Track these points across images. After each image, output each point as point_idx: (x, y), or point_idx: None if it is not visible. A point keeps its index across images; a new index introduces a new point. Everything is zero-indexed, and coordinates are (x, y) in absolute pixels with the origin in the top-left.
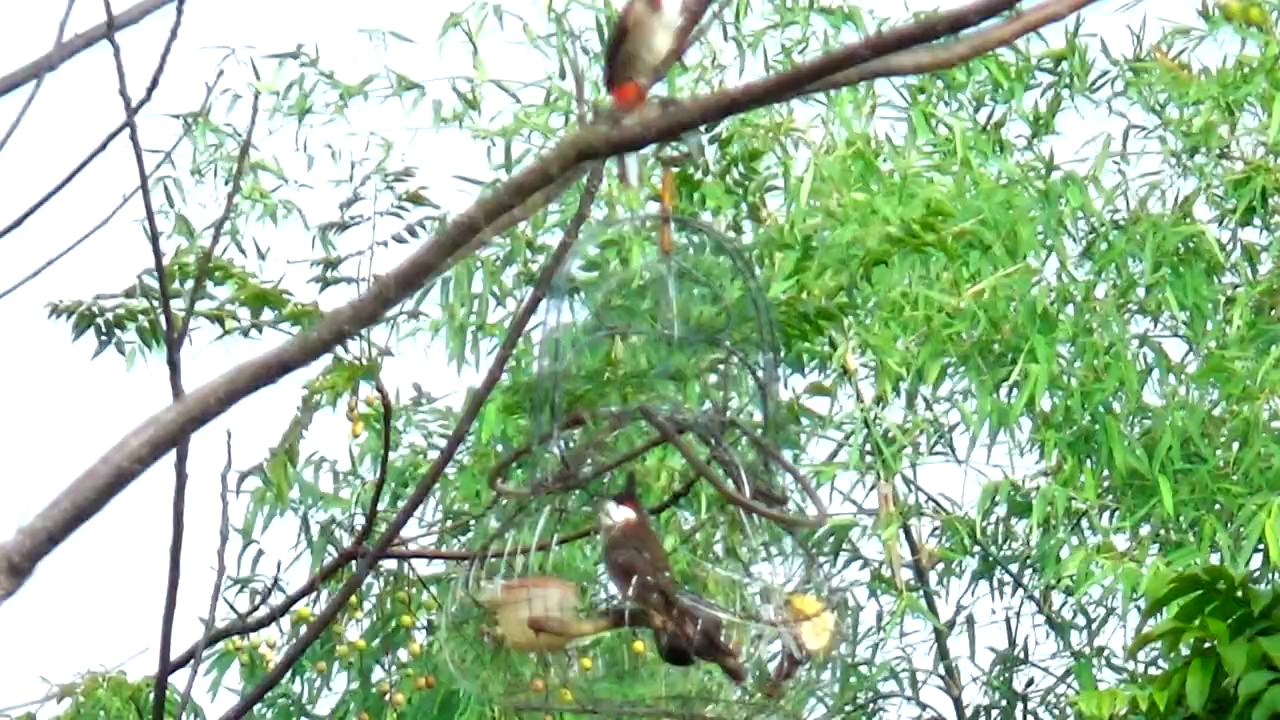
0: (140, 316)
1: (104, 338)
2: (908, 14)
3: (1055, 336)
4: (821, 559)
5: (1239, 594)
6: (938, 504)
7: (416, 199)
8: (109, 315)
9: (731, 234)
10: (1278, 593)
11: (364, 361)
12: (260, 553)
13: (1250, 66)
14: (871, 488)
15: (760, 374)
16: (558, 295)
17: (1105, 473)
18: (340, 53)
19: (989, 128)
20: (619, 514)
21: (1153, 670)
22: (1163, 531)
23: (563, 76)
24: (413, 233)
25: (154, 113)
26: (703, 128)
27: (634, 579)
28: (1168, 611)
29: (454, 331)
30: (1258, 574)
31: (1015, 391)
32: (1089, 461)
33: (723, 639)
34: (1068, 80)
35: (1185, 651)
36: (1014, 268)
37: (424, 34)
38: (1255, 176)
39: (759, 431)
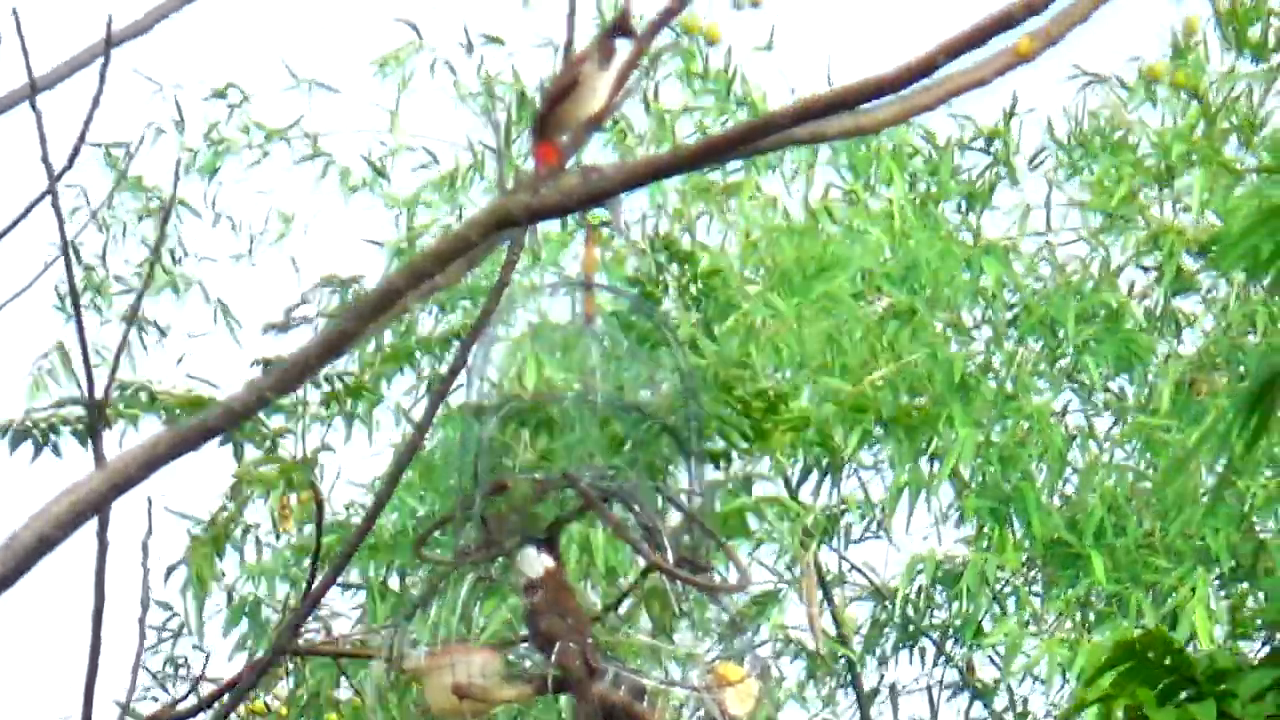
0: (73, 423)
1: (38, 446)
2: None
3: (974, 406)
4: (745, 626)
5: (1171, 660)
6: (862, 572)
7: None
8: (42, 427)
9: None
10: (1210, 657)
11: (298, 459)
12: (182, 625)
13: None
14: (790, 562)
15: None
16: (480, 363)
17: (1027, 542)
18: (269, 98)
19: (922, 202)
20: (539, 563)
21: None
22: (1088, 603)
23: (472, 149)
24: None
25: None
26: (623, 195)
27: (556, 645)
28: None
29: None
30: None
31: (936, 461)
32: (1010, 530)
33: (646, 705)
34: (1003, 157)
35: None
36: (933, 337)
37: (354, 78)
38: (1165, 236)
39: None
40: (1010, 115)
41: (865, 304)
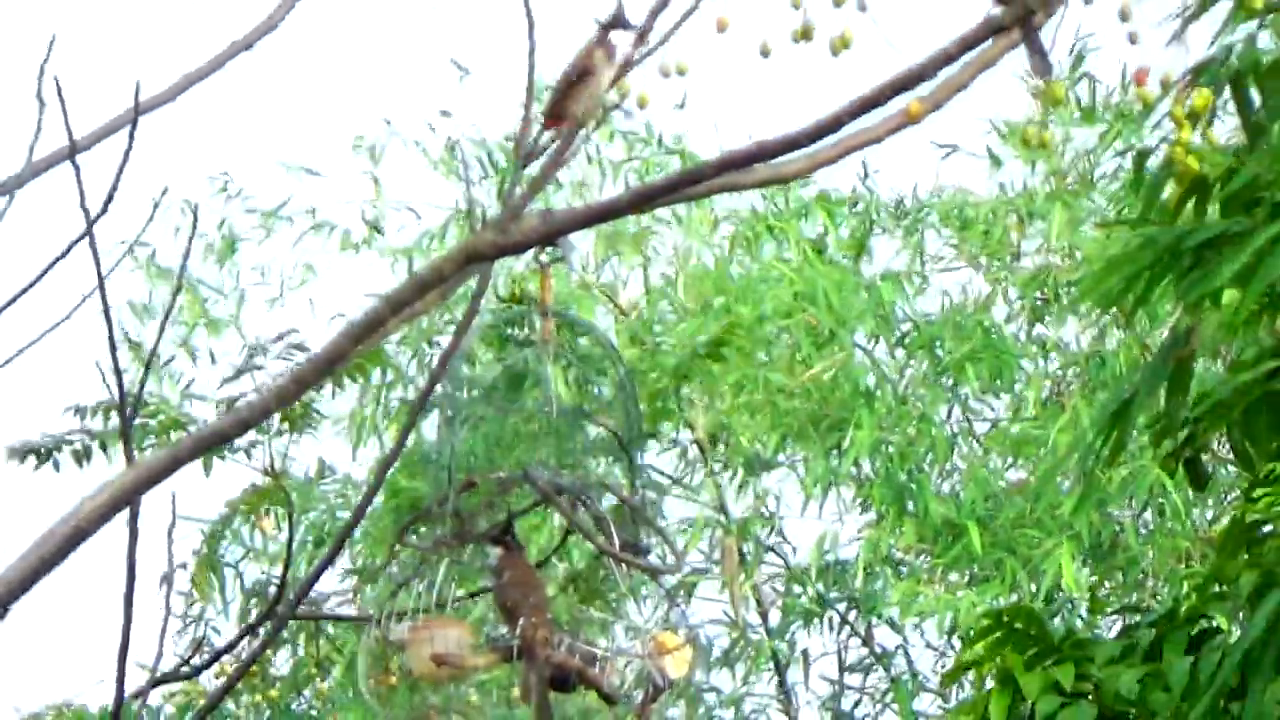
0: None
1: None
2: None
3: (877, 410)
4: (680, 601)
5: (1035, 631)
6: (777, 553)
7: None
8: (64, 447)
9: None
10: (1069, 629)
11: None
12: (194, 603)
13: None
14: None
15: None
16: (452, 380)
17: (920, 523)
18: (259, 182)
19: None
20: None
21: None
22: (972, 571)
23: (459, 205)
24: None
25: (108, 240)
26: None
27: (519, 620)
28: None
29: (355, 425)
30: (1053, 604)
31: (842, 458)
32: (908, 513)
33: (597, 669)
34: (874, 213)
35: (990, 680)
36: (839, 355)
37: (332, 159)
38: (1041, 275)
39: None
40: (864, 178)
41: (777, 327)
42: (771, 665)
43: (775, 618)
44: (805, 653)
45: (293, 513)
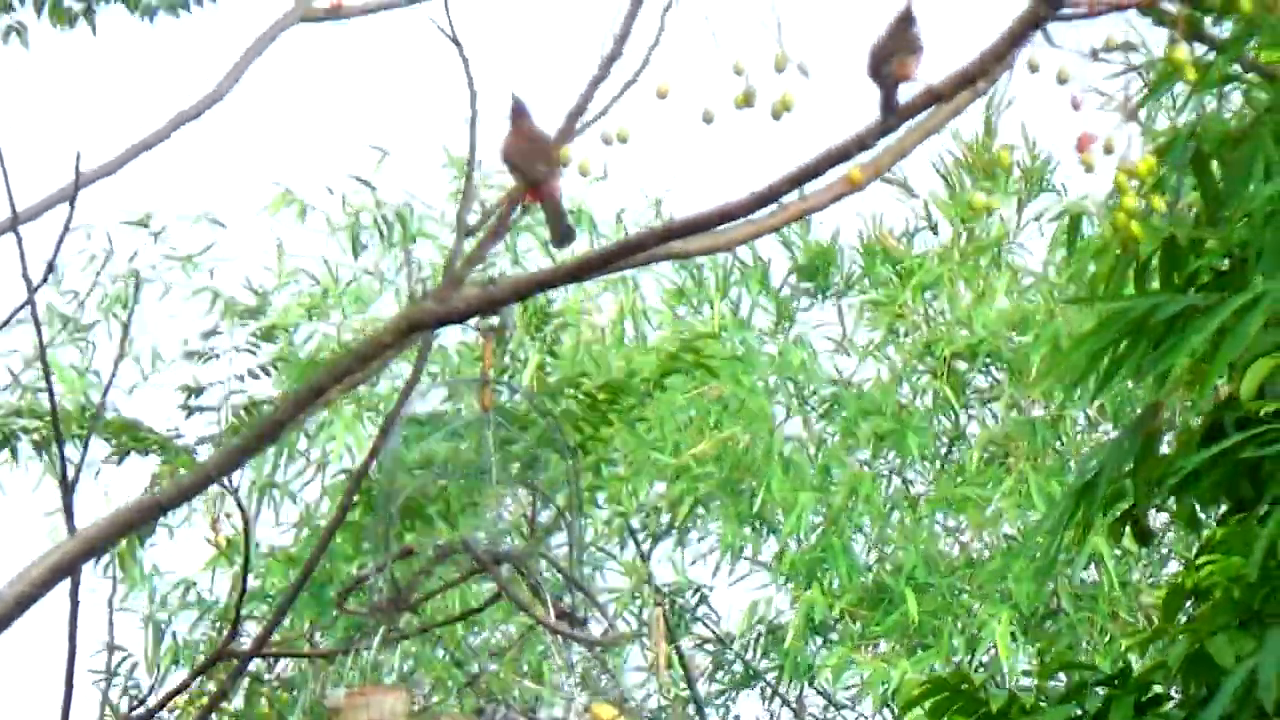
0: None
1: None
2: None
3: (790, 476)
4: (615, 671)
5: (979, 695)
6: (705, 623)
7: (268, 336)
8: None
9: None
10: (1011, 694)
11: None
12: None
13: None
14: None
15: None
16: (391, 449)
17: (844, 587)
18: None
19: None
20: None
21: None
22: (906, 637)
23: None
24: (265, 371)
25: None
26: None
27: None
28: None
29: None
30: (988, 669)
31: (760, 524)
32: (832, 582)
33: None
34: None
35: None
36: (740, 429)
37: (241, 211)
38: (938, 343)
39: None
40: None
41: (694, 390)
42: None
43: (705, 686)
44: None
45: (249, 523)
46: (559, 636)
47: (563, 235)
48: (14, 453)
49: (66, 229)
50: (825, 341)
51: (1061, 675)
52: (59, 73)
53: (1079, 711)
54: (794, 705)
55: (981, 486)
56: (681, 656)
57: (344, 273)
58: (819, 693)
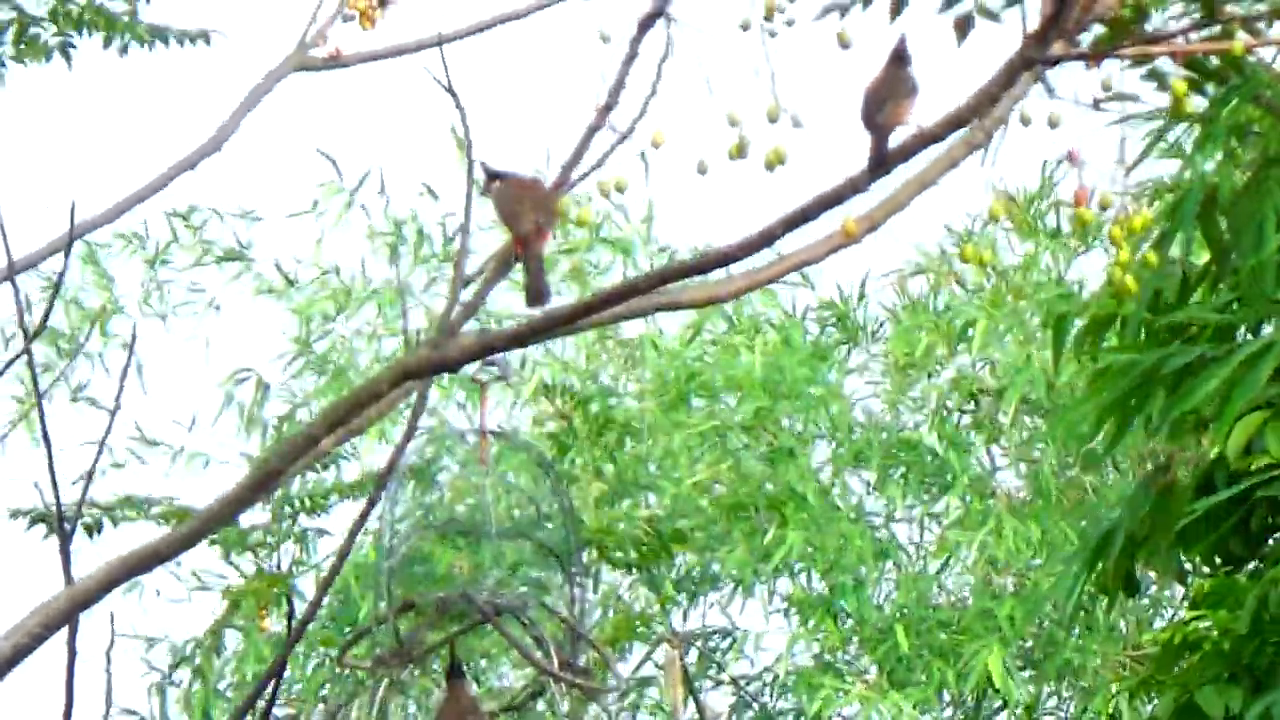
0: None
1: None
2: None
3: (803, 517)
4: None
5: None
6: (720, 665)
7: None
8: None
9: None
10: None
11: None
12: None
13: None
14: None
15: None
16: (390, 498)
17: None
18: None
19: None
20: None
21: None
22: (900, 673)
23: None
24: None
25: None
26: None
27: None
28: None
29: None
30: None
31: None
32: (839, 619)
33: None
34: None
35: None
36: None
37: (279, 207)
38: (961, 385)
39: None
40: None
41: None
42: None
43: None
44: None
45: (292, 616)
46: (562, 684)
47: (535, 295)
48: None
49: (60, 281)
50: (860, 386)
51: None
52: (52, 114)
53: None
54: None
55: (970, 529)
56: (698, 700)
57: (376, 277)
58: None
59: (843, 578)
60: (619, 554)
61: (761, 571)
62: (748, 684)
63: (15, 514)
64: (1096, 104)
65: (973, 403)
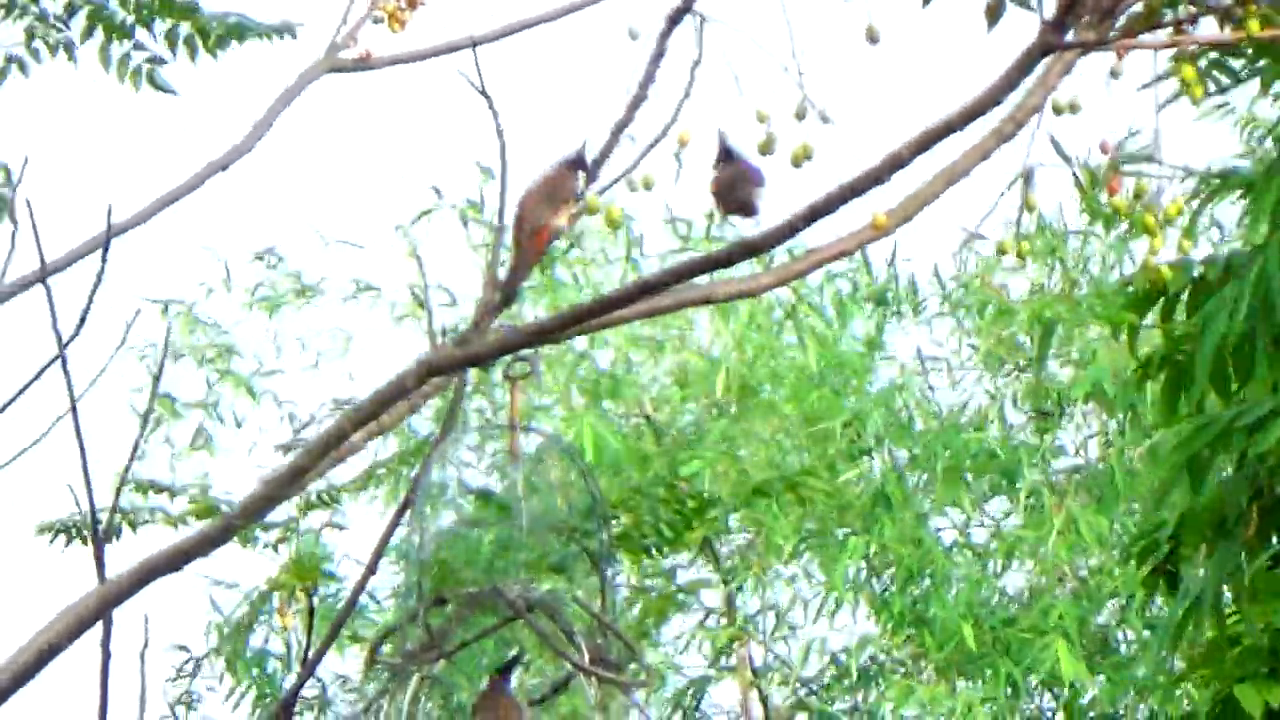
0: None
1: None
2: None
3: (889, 522)
4: (648, 714)
5: None
6: (785, 663)
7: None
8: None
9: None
10: None
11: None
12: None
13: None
14: (722, 650)
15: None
16: (425, 496)
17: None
18: (302, 257)
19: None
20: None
21: None
22: (966, 671)
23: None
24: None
25: (144, 313)
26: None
27: None
28: None
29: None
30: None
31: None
32: (921, 621)
33: None
34: (896, 307)
35: None
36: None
37: (374, 238)
38: (1044, 387)
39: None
40: (891, 264)
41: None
42: None
43: None
44: None
45: (313, 610)
46: (593, 679)
47: (508, 286)
48: (84, 540)
49: (98, 284)
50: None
51: None
52: (78, 115)
53: None
54: None
55: (1036, 528)
56: (763, 694)
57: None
58: None
59: (910, 577)
60: (645, 533)
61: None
62: (811, 683)
63: (42, 529)
64: (1115, 75)
65: (1044, 399)
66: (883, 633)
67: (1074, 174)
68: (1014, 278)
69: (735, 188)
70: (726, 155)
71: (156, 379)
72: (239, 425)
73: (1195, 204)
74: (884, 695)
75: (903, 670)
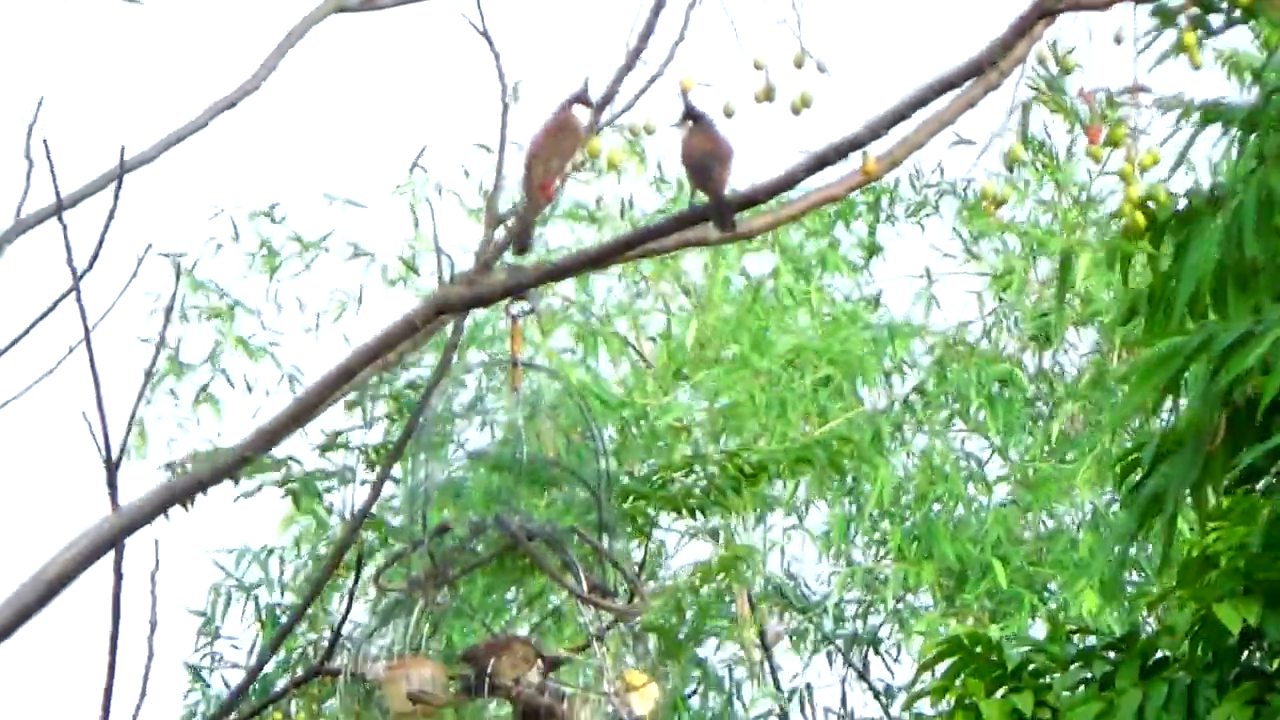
0: None
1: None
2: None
3: (891, 456)
4: (646, 640)
5: (995, 656)
6: (787, 596)
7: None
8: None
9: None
10: (1025, 657)
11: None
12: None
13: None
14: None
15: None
16: (426, 429)
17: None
18: (304, 212)
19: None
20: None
21: None
22: (992, 599)
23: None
24: None
25: (153, 255)
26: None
27: (494, 659)
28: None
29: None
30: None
31: (861, 505)
32: (925, 553)
33: (566, 707)
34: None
35: (947, 704)
36: (854, 411)
37: (374, 196)
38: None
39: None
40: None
41: (797, 375)
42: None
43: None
44: (809, 686)
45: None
46: (590, 605)
47: (518, 240)
48: None
49: (112, 216)
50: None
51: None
52: (85, 58)
53: (1088, 675)
54: (858, 667)
55: (1058, 465)
56: (760, 631)
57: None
58: (883, 659)
59: (936, 516)
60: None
61: (851, 519)
62: (815, 610)
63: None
64: (1119, 40)
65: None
66: (915, 574)
67: (1066, 104)
68: (1011, 203)
69: (709, 169)
70: (691, 115)
71: (168, 313)
72: (249, 390)
73: (1187, 130)
74: (908, 629)
75: (903, 600)
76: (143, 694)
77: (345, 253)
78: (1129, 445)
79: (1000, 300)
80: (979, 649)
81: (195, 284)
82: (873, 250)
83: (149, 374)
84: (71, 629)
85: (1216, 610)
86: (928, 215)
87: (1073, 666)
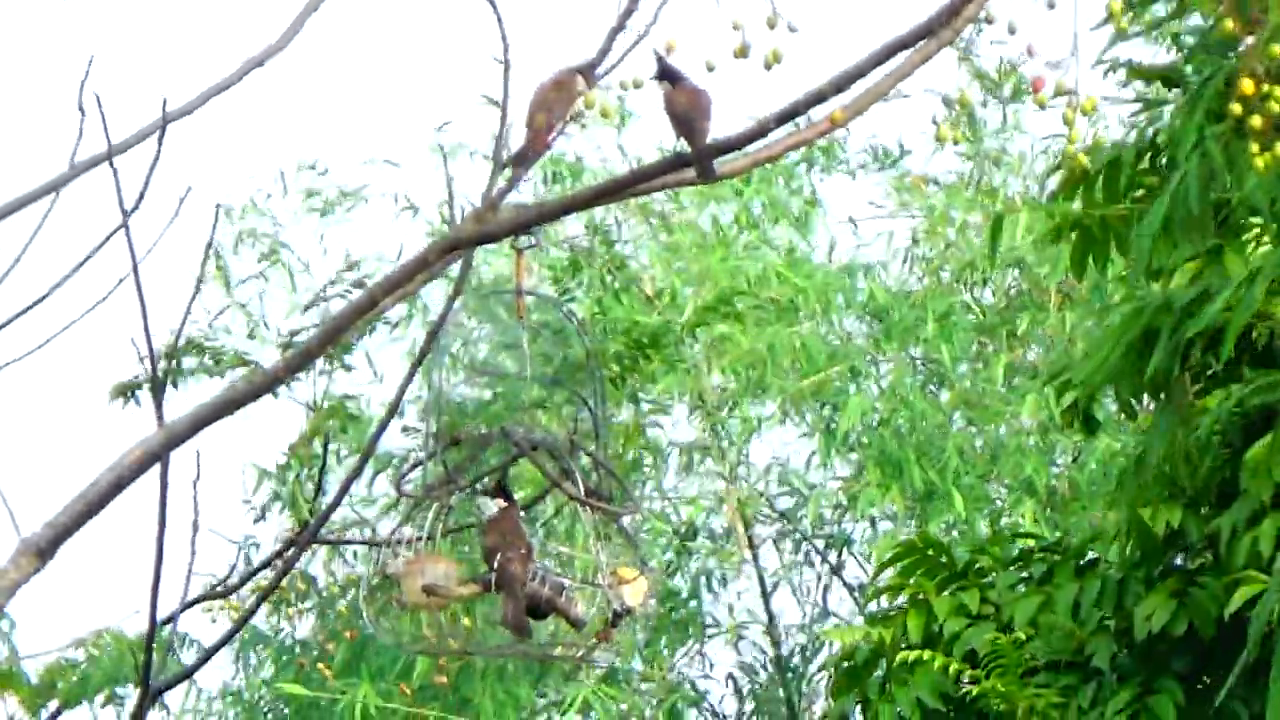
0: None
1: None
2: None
3: (862, 385)
4: (637, 540)
5: (944, 558)
6: (770, 503)
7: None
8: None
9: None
10: (971, 558)
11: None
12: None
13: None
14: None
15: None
16: (440, 350)
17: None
18: (344, 166)
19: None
20: (491, 506)
21: None
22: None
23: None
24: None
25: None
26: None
27: (499, 558)
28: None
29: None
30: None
31: (834, 430)
32: (893, 478)
33: (565, 599)
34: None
35: (902, 600)
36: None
37: (408, 150)
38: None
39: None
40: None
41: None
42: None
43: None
44: (792, 582)
45: (328, 442)
46: (588, 509)
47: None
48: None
49: (156, 160)
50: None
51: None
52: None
53: (1026, 574)
54: (833, 564)
55: (1010, 393)
56: (748, 530)
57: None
58: (855, 559)
59: (897, 443)
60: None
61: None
62: (795, 519)
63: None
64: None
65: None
66: (867, 489)
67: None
68: (940, 158)
69: (691, 122)
70: (665, 74)
71: (208, 248)
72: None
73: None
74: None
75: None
76: (187, 582)
77: (387, 207)
78: (1051, 369)
79: (929, 248)
80: (930, 551)
81: (245, 212)
82: (812, 204)
83: (198, 282)
84: (125, 530)
85: (1143, 514)
86: (862, 169)
87: (1013, 567)
